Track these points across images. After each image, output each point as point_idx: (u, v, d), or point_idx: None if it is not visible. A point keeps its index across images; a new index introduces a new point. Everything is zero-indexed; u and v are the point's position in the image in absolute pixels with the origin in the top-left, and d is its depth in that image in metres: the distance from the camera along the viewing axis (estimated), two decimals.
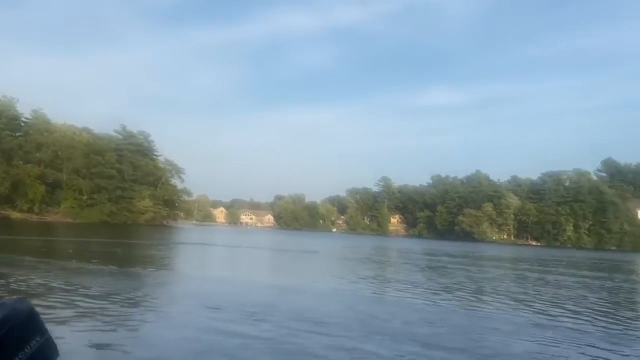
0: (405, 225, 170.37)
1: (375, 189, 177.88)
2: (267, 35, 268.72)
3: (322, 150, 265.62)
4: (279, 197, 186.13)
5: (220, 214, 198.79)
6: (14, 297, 1.53)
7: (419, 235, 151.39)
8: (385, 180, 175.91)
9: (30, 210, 76.95)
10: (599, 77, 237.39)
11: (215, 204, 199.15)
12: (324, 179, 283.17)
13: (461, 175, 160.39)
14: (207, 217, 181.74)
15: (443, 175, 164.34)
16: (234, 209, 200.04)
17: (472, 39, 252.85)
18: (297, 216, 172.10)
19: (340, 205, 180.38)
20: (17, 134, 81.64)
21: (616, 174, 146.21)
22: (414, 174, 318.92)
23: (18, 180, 74.52)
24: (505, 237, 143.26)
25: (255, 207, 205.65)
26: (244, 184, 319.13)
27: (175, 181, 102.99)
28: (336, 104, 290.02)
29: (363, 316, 11.78)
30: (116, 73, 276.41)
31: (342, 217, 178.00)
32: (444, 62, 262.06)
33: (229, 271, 25.52)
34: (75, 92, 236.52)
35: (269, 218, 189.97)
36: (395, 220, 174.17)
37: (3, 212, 71.92)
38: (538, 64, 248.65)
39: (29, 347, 1.36)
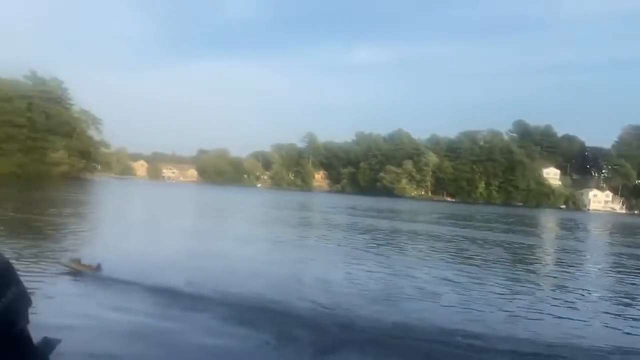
0: (329, 181, 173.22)
1: (300, 144, 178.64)
2: None
3: (248, 104, 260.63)
4: (202, 151, 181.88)
5: (140, 167, 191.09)
6: None
7: (342, 191, 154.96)
8: (310, 136, 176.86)
9: None
10: (516, 41, 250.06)
11: (135, 157, 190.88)
12: (249, 133, 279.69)
13: (384, 132, 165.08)
14: (126, 171, 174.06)
15: (366, 133, 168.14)
16: (155, 162, 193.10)
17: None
18: (221, 171, 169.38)
19: (265, 161, 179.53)
20: None
21: (525, 135, 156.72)
22: (339, 131, 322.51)
23: None
24: (423, 193, 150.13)
25: (178, 161, 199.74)
26: (166, 137, 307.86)
27: (92, 132, 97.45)
28: (263, 58, 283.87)
29: None
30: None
31: (267, 172, 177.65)
32: (368, 20, 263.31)
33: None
34: None
35: (192, 172, 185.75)
36: (319, 176, 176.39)
37: None
38: (459, 26, 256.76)
39: (5, 297, 1.36)
